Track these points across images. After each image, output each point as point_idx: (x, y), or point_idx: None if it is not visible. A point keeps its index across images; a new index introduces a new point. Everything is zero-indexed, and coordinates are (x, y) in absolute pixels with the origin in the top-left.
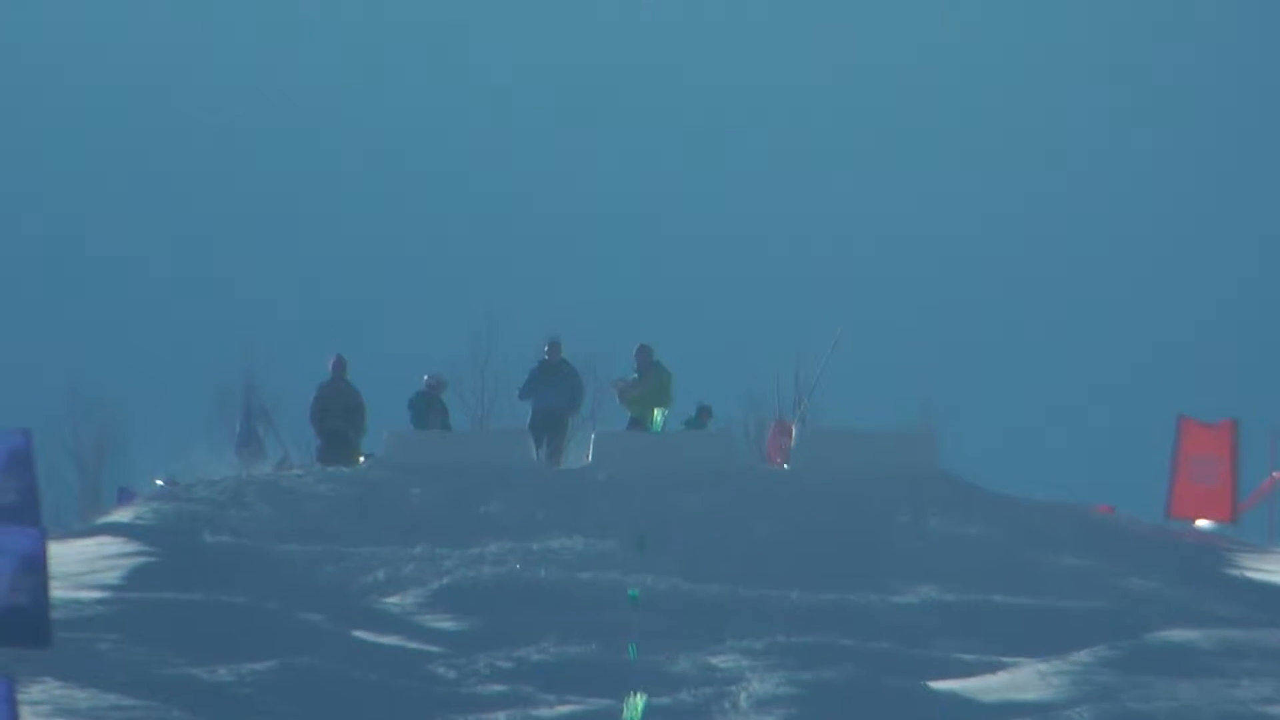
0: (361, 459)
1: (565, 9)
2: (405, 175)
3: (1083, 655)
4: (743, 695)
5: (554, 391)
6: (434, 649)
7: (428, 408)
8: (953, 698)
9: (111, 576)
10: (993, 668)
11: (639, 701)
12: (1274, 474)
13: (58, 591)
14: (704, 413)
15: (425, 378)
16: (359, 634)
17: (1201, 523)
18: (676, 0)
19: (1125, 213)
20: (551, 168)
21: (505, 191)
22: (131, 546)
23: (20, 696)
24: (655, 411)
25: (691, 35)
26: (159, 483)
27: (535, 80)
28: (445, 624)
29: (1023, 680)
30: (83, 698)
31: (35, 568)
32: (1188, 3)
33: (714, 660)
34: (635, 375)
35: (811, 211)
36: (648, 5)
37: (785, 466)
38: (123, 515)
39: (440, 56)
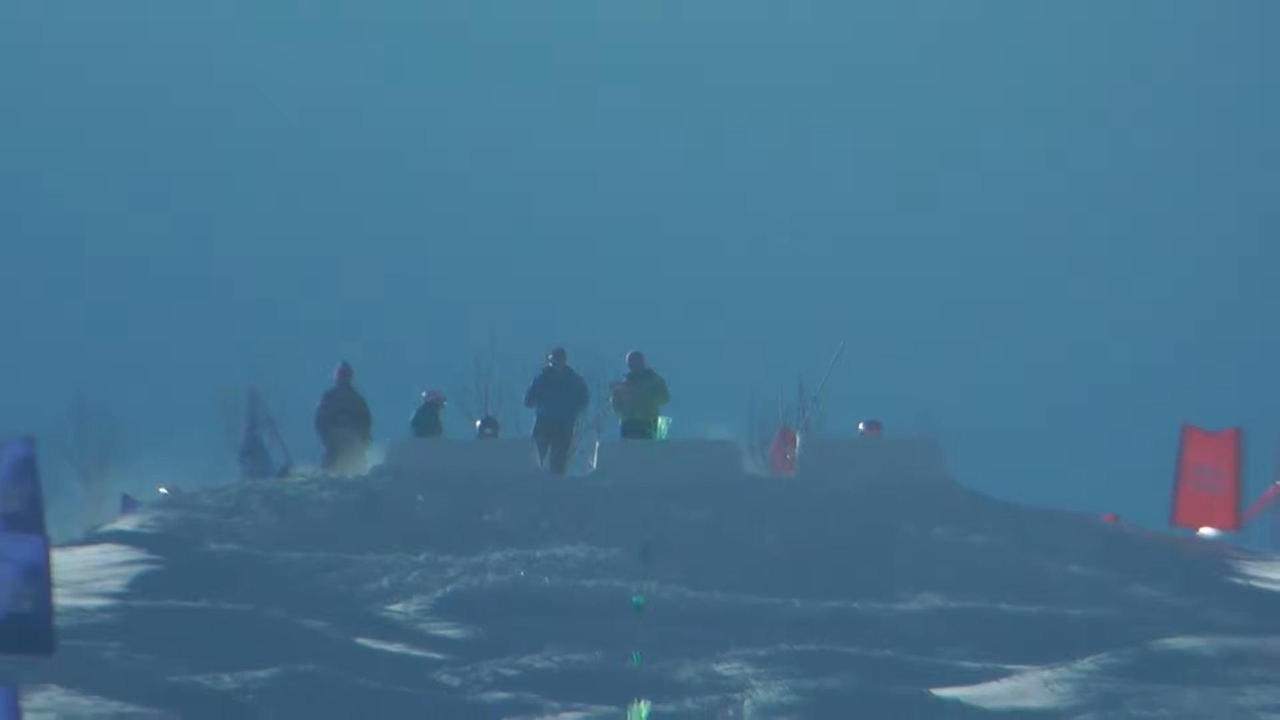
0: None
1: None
2: (408, 183)
3: (1087, 663)
4: (747, 703)
5: (559, 400)
6: (438, 656)
7: (430, 423)
8: (957, 705)
9: (115, 584)
10: (997, 675)
11: (643, 709)
12: (1278, 482)
13: (61, 599)
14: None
15: (424, 394)
16: (363, 641)
17: (1205, 531)
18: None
19: (1128, 218)
20: (553, 171)
21: (506, 198)
22: (135, 554)
23: (24, 704)
24: (660, 420)
25: (696, 35)
26: (162, 491)
27: (535, 81)
28: (449, 631)
29: (1027, 688)
30: (86, 705)
31: (39, 575)
32: (1189, 2)
33: (718, 668)
34: (626, 380)
35: (813, 212)
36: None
37: (790, 475)
38: (126, 523)
39: (443, 61)
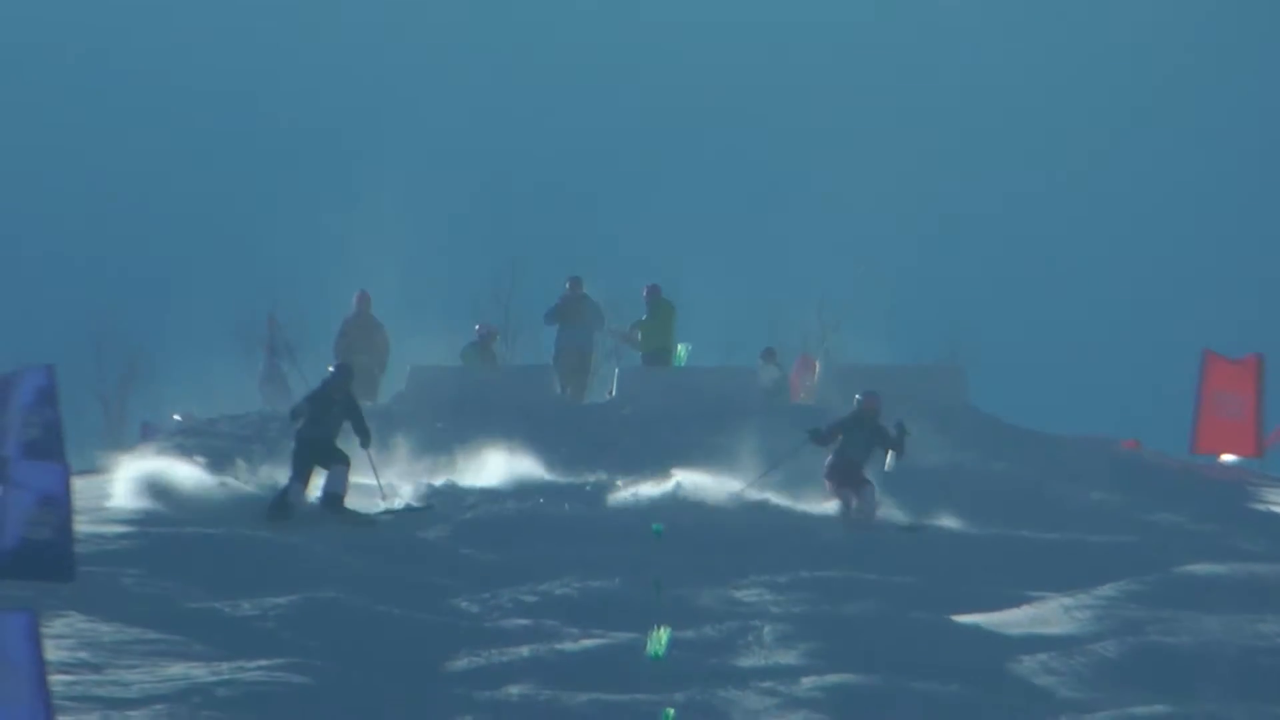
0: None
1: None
2: (431, 111)
3: (1107, 589)
4: (766, 629)
5: (577, 329)
6: (457, 583)
7: (479, 357)
8: (977, 631)
9: (134, 511)
10: (1017, 601)
11: (663, 635)
12: None
13: (81, 526)
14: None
15: (477, 328)
16: (382, 568)
17: (1226, 457)
18: None
19: (1152, 142)
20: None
21: (526, 130)
22: None
23: (44, 630)
24: (679, 346)
25: None
26: (176, 418)
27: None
28: (468, 558)
29: (1047, 614)
30: (106, 631)
31: (58, 503)
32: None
33: (737, 594)
34: (644, 318)
35: (833, 128)
36: None
37: (810, 401)
38: (146, 450)
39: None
